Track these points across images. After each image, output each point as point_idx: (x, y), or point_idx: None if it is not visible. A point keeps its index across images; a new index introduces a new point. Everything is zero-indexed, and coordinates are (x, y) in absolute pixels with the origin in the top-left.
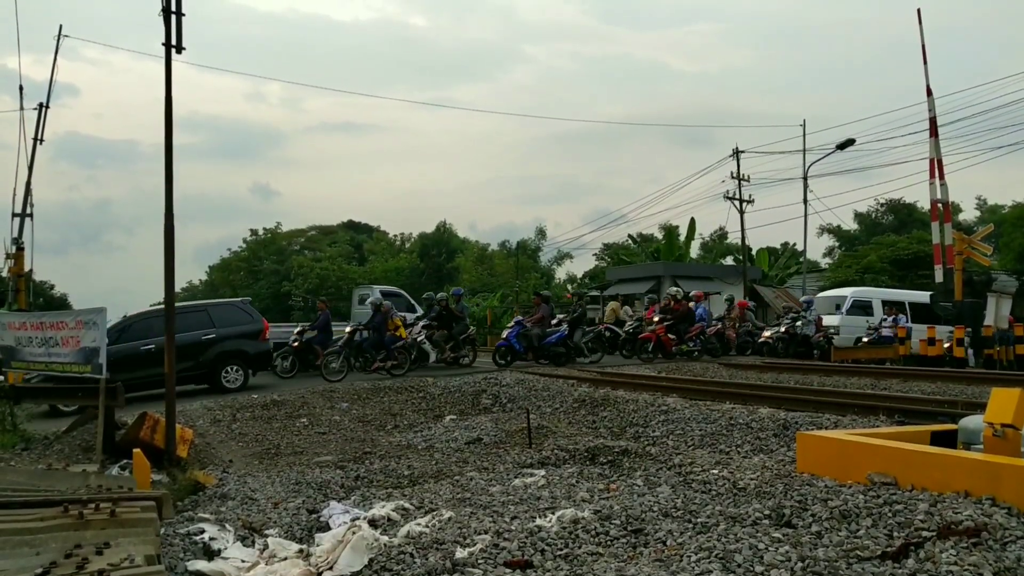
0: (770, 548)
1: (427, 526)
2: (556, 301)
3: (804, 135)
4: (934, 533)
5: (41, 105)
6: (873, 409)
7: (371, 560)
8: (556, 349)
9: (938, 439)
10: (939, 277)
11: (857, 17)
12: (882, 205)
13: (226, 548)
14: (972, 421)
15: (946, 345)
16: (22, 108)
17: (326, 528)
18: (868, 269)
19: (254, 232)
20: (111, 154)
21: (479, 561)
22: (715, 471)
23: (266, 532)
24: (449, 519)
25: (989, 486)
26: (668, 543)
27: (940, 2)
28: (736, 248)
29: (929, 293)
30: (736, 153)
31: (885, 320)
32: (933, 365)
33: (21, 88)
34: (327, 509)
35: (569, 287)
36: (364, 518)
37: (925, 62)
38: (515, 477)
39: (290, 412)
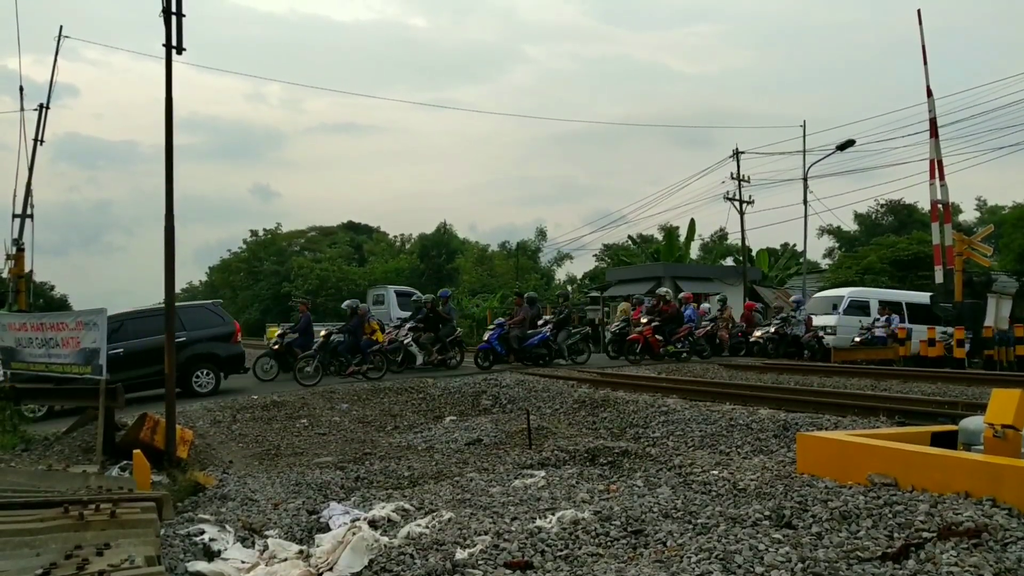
0: (770, 549)
1: (427, 527)
2: (554, 302)
3: (804, 136)
4: (934, 534)
5: (41, 106)
6: (873, 410)
7: (371, 561)
8: (538, 351)
9: (938, 440)
10: (939, 278)
11: (857, 18)
12: (882, 206)
13: (226, 549)
14: (972, 422)
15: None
16: (22, 109)
17: (326, 529)
18: (868, 270)
19: (254, 233)
20: (111, 155)
21: (479, 562)
22: (715, 472)
23: (266, 533)
24: (449, 520)
25: (989, 487)
26: (668, 544)
27: (940, 3)
28: (736, 249)
29: (929, 294)
30: (736, 154)
31: (878, 320)
32: (933, 366)
33: (21, 89)
34: (327, 510)
35: (569, 288)
36: (364, 519)
37: (925, 63)
38: (515, 478)
39: (290, 413)
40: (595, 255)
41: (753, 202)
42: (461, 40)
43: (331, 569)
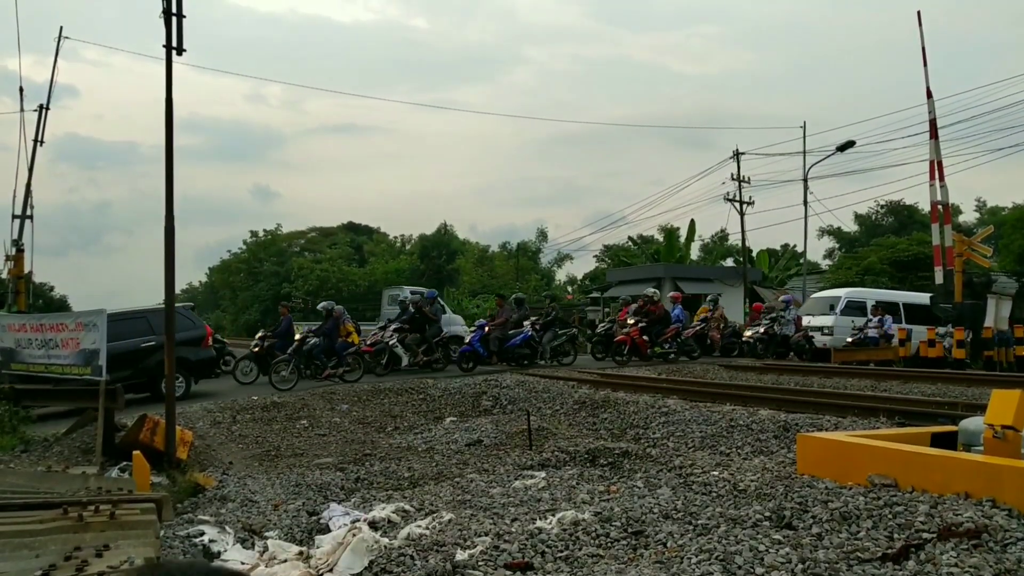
0: (771, 550)
1: (427, 528)
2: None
3: (804, 137)
4: (934, 535)
5: (41, 107)
6: (873, 411)
7: (371, 562)
8: (520, 351)
9: (938, 441)
10: (939, 279)
11: (858, 19)
12: (882, 207)
13: (226, 550)
14: (972, 423)
15: (946, 345)
16: (22, 110)
17: (326, 530)
18: (868, 271)
19: (254, 234)
20: (111, 156)
21: (479, 563)
22: (715, 473)
23: (266, 534)
24: (449, 521)
25: (989, 488)
26: (668, 545)
27: (940, 4)
28: (736, 250)
29: (929, 295)
30: (736, 155)
31: (871, 320)
32: (933, 367)
33: (21, 90)
34: (327, 511)
35: (570, 288)
36: (364, 520)
37: (925, 64)
38: (515, 479)
39: (290, 414)
40: (595, 256)
41: (753, 203)
42: (462, 41)
43: (331, 570)
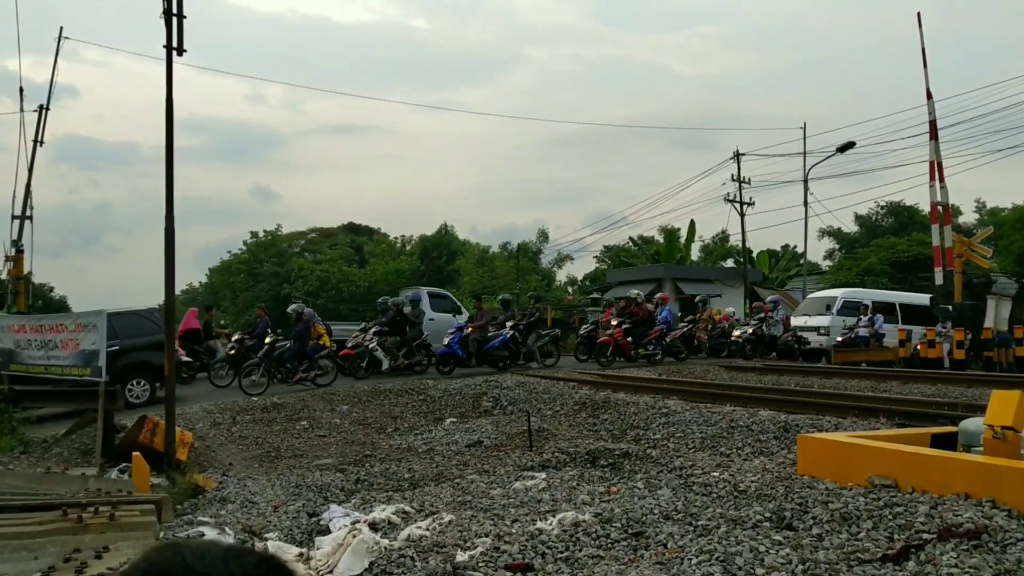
0: (771, 550)
1: (428, 529)
2: (557, 303)
3: (804, 138)
4: (934, 535)
5: (41, 107)
6: (873, 411)
7: (371, 563)
8: (499, 353)
9: (938, 441)
10: (939, 279)
11: (858, 20)
12: (882, 207)
13: None
14: (972, 423)
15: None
16: (22, 110)
17: (326, 531)
18: (868, 271)
19: (254, 234)
20: (111, 156)
21: (480, 564)
22: (716, 473)
23: (266, 535)
24: (450, 522)
25: (989, 488)
26: (669, 546)
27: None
28: (737, 250)
29: (929, 295)
30: (737, 155)
31: (861, 320)
32: (933, 367)
33: (21, 90)
34: (327, 512)
35: (570, 289)
36: (364, 521)
37: (925, 65)
38: (516, 480)
39: (290, 415)
40: (596, 256)
41: (754, 204)
42: (462, 42)
43: (331, 572)
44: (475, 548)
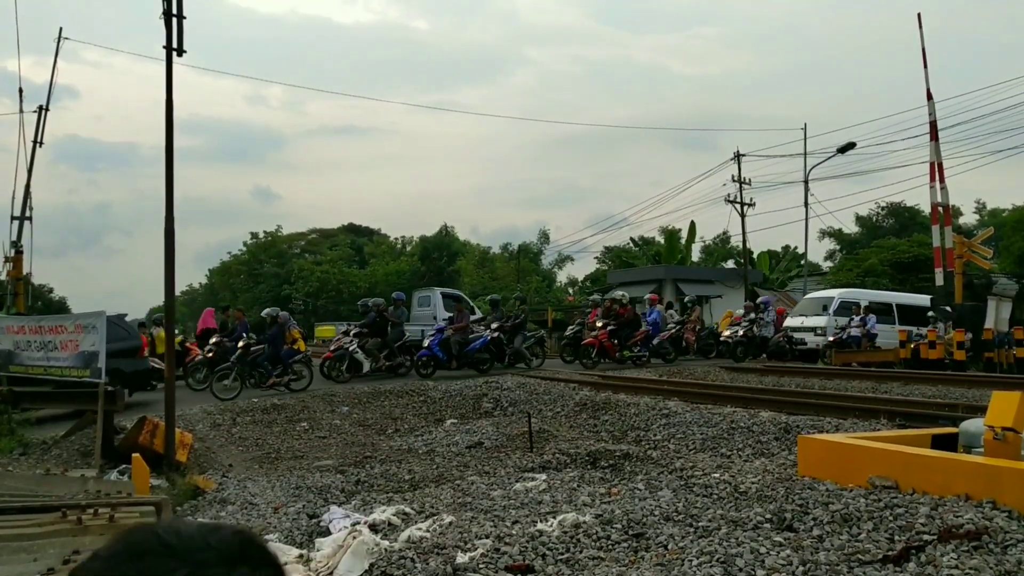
0: (771, 552)
1: (428, 531)
2: (557, 304)
3: (805, 138)
4: (935, 536)
5: (41, 107)
6: (874, 412)
7: (372, 565)
8: (480, 355)
9: (939, 442)
10: (940, 280)
11: (858, 21)
12: (883, 208)
13: None
14: (973, 424)
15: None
16: (22, 111)
17: (326, 533)
18: (869, 272)
19: (254, 235)
20: (111, 157)
21: (480, 566)
22: (716, 475)
23: (266, 537)
24: (450, 524)
25: (990, 489)
26: (669, 547)
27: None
28: (737, 251)
29: (930, 296)
30: (737, 156)
31: (853, 320)
32: (933, 368)
33: (21, 90)
34: (327, 514)
35: (571, 290)
36: (365, 523)
37: (925, 66)
38: (516, 481)
39: (290, 416)
40: (596, 257)
41: (754, 204)
42: (462, 42)
43: (331, 573)
44: (475, 549)
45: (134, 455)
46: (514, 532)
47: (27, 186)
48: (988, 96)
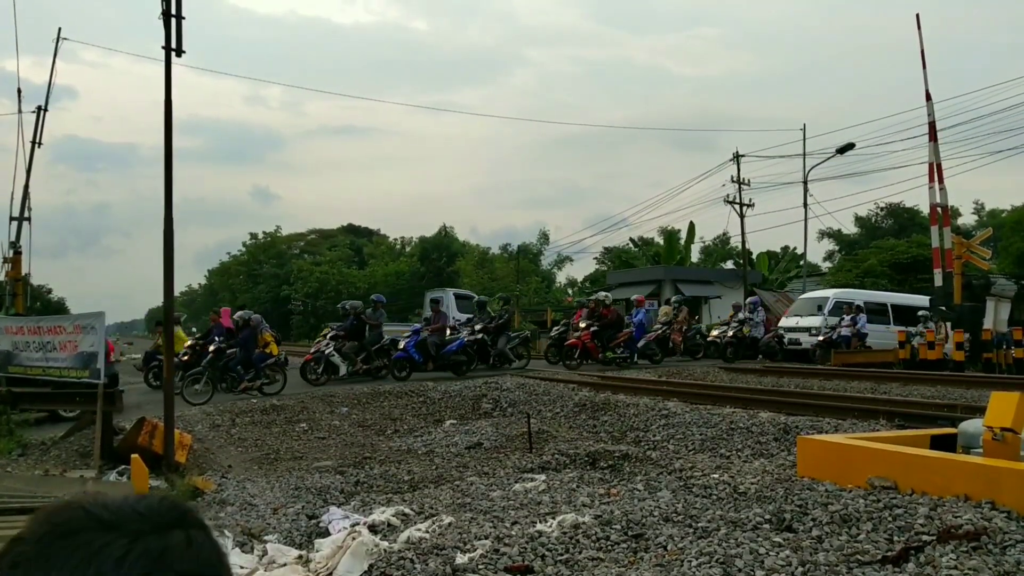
0: (771, 553)
1: (427, 531)
2: (557, 305)
3: (804, 139)
4: (934, 537)
5: (39, 108)
6: (873, 413)
7: (371, 566)
8: (456, 358)
9: (938, 443)
10: (938, 281)
11: (857, 22)
12: (882, 209)
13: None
14: (971, 425)
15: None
16: (20, 111)
17: (326, 534)
18: (868, 273)
19: (254, 236)
20: (110, 157)
21: (479, 567)
22: (716, 475)
23: (265, 538)
24: (449, 524)
25: (989, 490)
26: (669, 548)
27: (939, 8)
28: (736, 252)
29: (928, 297)
30: (736, 157)
31: (843, 320)
32: (932, 369)
33: (19, 91)
34: (327, 515)
35: (570, 291)
36: (364, 523)
37: (924, 67)
38: (515, 482)
39: (289, 417)
40: (596, 258)
41: (753, 205)
42: (462, 43)
43: (331, 574)
44: (475, 550)
45: (133, 456)
46: (513, 533)
47: (26, 187)
48: (987, 97)
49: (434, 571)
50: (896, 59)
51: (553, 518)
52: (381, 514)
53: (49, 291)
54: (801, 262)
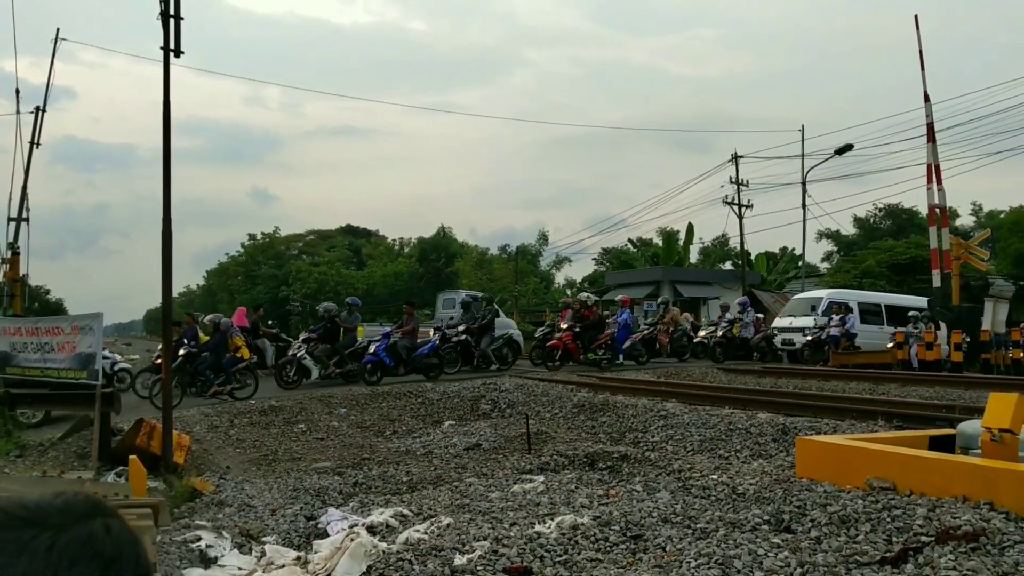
0: (769, 554)
1: (426, 532)
2: (554, 306)
3: (803, 140)
4: (932, 538)
5: (38, 108)
6: (871, 414)
7: (369, 567)
8: (428, 361)
9: (936, 444)
10: (937, 282)
11: (856, 23)
12: (880, 210)
13: (223, 556)
14: (970, 426)
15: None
16: (18, 112)
17: (324, 535)
18: (867, 274)
19: (252, 237)
20: (109, 158)
21: (478, 568)
22: (714, 476)
23: (263, 539)
24: (448, 525)
25: (987, 491)
26: (667, 549)
27: (938, 8)
28: (735, 253)
29: (927, 298)
30: (735, 158)
31: (832, 319)
32: (930, 370)
33: (18, 91)
34: (325, 516)
35: (568, 292)
36: (362, 525)
37: (923, 68)
38: (514, 483)
39: (288, 418)
40: (594, 259)
41: (752, 206)
42: (461, 43)
43: (329, 575)
44: (473, 551)
45: (131, 457)
46: (512, 534)
47: (24, 187)
48: (985, 98)
49: (433, 572)
50: (895, 60)
51: (552, 519)
52: (380, 515)
53: (47, 292)
54: (800, 263)
